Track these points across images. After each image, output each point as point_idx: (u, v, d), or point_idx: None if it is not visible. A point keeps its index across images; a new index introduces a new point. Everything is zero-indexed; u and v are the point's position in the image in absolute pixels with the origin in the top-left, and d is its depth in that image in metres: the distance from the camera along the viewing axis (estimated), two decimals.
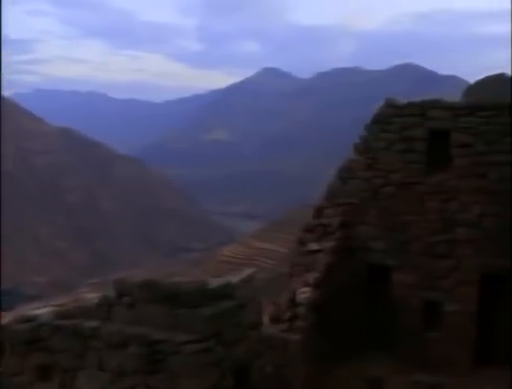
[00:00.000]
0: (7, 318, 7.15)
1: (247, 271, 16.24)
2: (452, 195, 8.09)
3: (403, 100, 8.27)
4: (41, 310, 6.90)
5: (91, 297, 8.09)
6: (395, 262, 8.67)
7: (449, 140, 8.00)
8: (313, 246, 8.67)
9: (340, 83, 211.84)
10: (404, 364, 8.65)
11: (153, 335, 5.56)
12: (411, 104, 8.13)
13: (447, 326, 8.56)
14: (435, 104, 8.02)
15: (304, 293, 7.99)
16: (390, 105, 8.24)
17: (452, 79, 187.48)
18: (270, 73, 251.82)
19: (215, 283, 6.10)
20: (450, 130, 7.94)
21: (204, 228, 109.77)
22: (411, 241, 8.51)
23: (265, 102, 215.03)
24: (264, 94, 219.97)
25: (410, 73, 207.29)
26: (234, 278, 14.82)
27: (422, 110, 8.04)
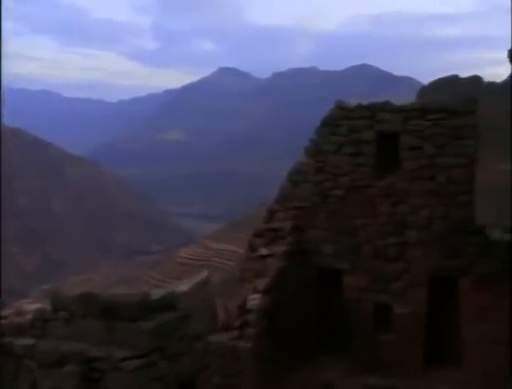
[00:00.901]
0: None
1: (202, 274, 15.95)
2: (402, 198, 8.09)
3: (353, 101, 8.20)
4: None
5: (31, 309, 7.60)
6: (346, 265, 8.63)
7: (398, 143, 7.99)
8: (264, 251, 8.50)
9: (297, 83, 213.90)
10: (356, 367, 8.63)
11: (91, 351, 5.23)
12: (360, 107, 8.08)
13: (398, 328, 8.59)
14: (384, 107, 7.99)
15: (254, 300, 7.80)
16: (340, 108, 8.17)
17: (407, 80, 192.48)
18: (227, 72, 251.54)
19: (157, 294, 5.82)
20: (399, 133, 7.93)
21: (161, 229, 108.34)
22: (361, 245, 8.48)
23: (222, 102, 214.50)
24: (221, 94, 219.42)
25: (366, 73, 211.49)
26: (189, 281, 14.51)
27: (371, 113, 8.00)
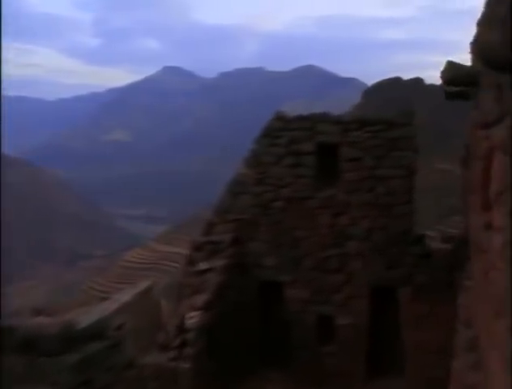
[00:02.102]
0: None
1: (145, 283, 15.35)
2: (342, 209, 8.03)
3: (293, 112, 8.06)
4: None
5: None
6: (288, 277, 8.50)
7: (338, 154, 7.92)
8: (203, 265, 8.22)
9: (244, 83, 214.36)
10: (300, 379, 8.54)
11: None
12: (299, 118, 7.95)
13: (341, 339, 8.55)
14: (324, 118, 7.90)
15: (193, 318, 7.50)
16: (279, 118, 8.01)
17: (352, 82, 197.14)
18: (173, 72, 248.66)
19: (83, 321, 5.41)
20: (338, 145, 7.86)
21: (105, 232, 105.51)
22: (302, 256, 8.38)
23: (167, 101, 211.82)
24: (166, 93, 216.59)
25: (312, 74, 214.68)
26: (131, 291, 13.87)
27: (311, 124, 7.89)
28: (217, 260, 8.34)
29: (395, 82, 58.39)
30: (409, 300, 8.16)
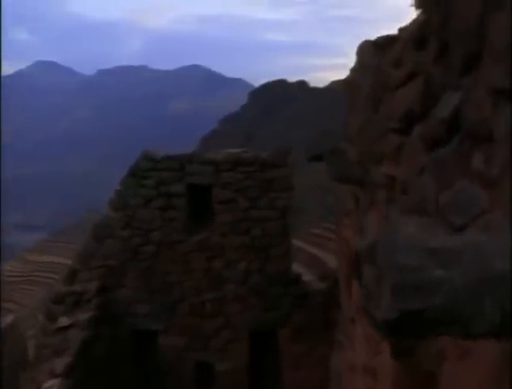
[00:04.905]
0: None
1: (7, 319, 13.66)
2: (217, 252, 7.62)
3: (160, 152, 7.45)
4: None
5: None
6: (162, 325, 7.92)
7: (211, 196, 7.47)
8: (65, 321, 7.31)
9: (126, 81, 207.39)
10: None
11: None
12: (168, 158, 7.36)
13: (221, 385, 8.17)
14: (194, 159, 7.39)
15: (51, 387, 6.60)
16: (147, 158, 7.36)
17: (238, 82, 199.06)
18: (47, 67, 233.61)
19: None
20: (211, 186, 7.41)
21: None
22: (177, 302, 7.85)
23: (40, 98, 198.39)
24: (40, 90, 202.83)
25: (198, 74, 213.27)
26: None
27: (181, 164, 7.35)
28: (81, 313, 7.49)
29: (281, 83, 59.82)
30: (288, 340, 7.99)
